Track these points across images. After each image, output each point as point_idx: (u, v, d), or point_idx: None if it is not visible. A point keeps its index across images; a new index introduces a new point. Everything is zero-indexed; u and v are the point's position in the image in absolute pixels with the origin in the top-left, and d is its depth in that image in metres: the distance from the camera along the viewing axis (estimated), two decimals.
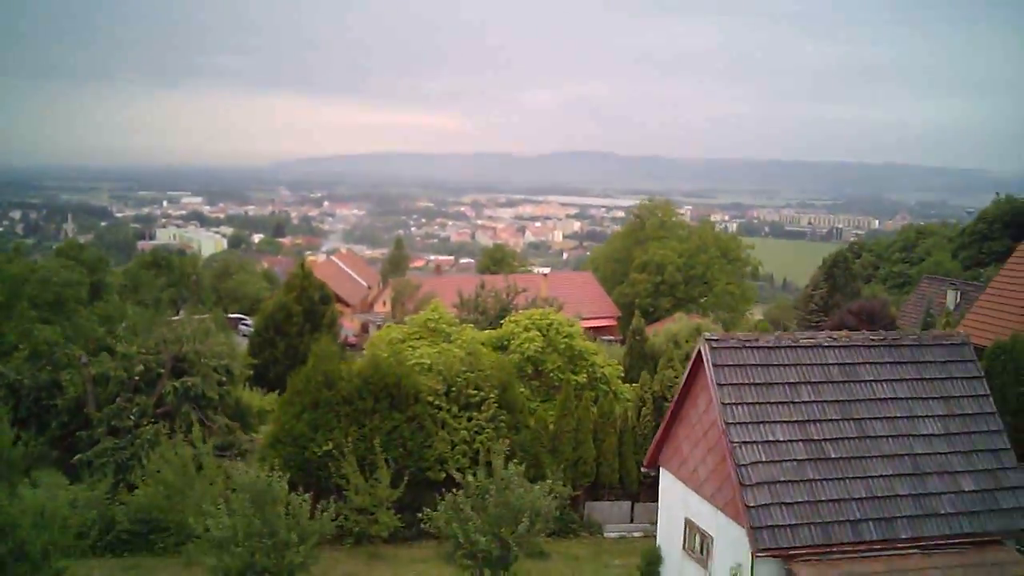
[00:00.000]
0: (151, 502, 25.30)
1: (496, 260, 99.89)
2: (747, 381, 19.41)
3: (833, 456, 19.00)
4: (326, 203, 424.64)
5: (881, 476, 19.02)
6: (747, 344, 19.90)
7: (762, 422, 19.03)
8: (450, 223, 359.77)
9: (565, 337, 38.97)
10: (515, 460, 22.97)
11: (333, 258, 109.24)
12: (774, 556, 17.94)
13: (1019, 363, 30.48)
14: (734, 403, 19.09)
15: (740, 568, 18.48)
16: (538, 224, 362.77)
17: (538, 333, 38.46)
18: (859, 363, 20.30)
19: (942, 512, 18.95)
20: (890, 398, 20.01)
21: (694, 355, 20.30)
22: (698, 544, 20.58)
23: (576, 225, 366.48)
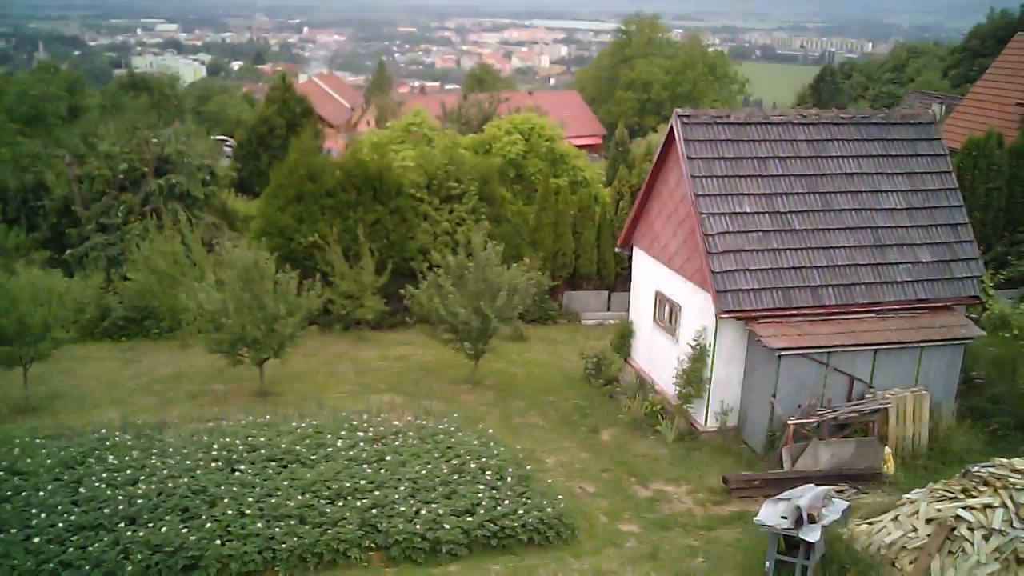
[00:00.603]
0: (144, 288, 26.23)
1: (480, 80, 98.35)
2: (717, 155, 19.96)
3: (797, 227, 19.80)
4: (306, 29, 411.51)
5: (843, 247, 19.89)
6: (718, 120, 20.33)
7: (730, 194, 19.70)
8: (435, 48, 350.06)
9: (547, 140, 39.31)
10: (495, 244, 23.76)
11: (315, 79, 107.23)
12: (737, 318, 19.02)
13: (991, 159, 31.12)
14: (704, 176, 19.70)
15: (705, 331, 19.61)
16: (525, 49, 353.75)
17: (520, 136, 38.74)
18: (828, 139, 20.81)
19: (899, 280, 19.94)
20: (856, 173, 20.65)
21: (666, 132, 20.75)
22: (667, 314, 21.69)
23: (564, 50, 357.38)
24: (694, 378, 19.80)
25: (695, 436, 20.08)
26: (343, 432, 17.99)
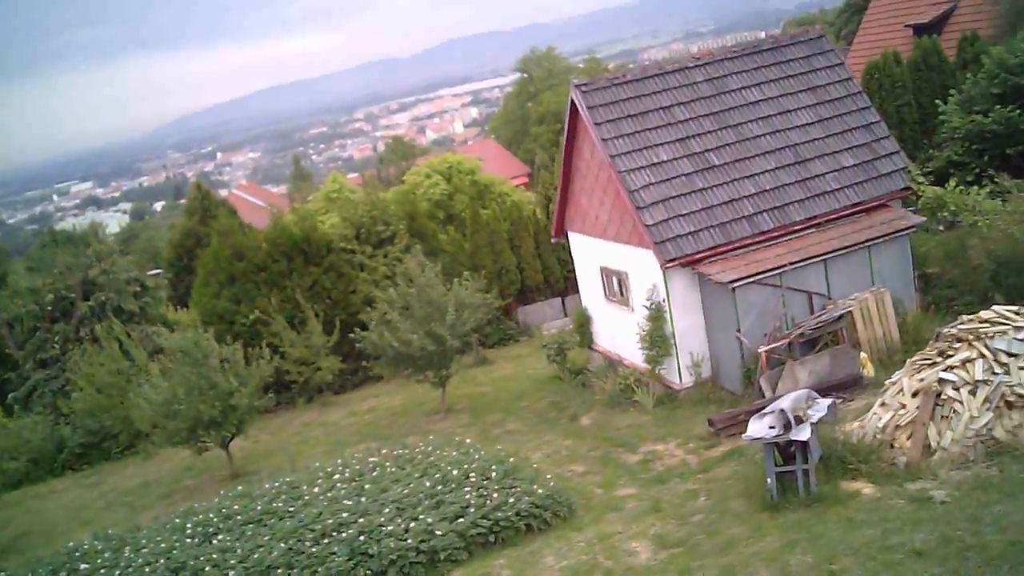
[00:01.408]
0: (93, 406, 25.35)
1: (399, 153, 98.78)
2: (623, 115, 19.84)
3: (718, 163, 19.67)
4: (219, 154, 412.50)
5: (766, 171, 19.78)
6: (615, 81, 20.26)
7: (645, 147, 19.55)
8: (349, 142, 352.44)
9: (468, 174, 39.26)
10: (431, 265, 23.37)
11: (236, 191, 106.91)
12: (683, 264, 18.72)
13: (893, 77, 31.54)
14: (615, 136, 19.55)
15: (655, 288, 19.27)
16: (436, 120, 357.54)
17: (441, 177, 38.66)
18: (726, 75, 20.84)
19: (828, 190, 19.84)
20: (761, 100, 20.64)
21: (568, 106, 20.62)
22: (616, 287, 21.35)
23: (474, 112, 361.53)
24: (657, 338, 19.40)
25: (674, 396, 19.62)
26: (319, 481, 17.27)
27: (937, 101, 26.17)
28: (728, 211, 19.18)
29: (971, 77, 25.42)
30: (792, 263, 18.28)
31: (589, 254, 22.40)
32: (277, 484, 17.58)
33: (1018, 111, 22.74)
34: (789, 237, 19.32)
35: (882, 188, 20.13)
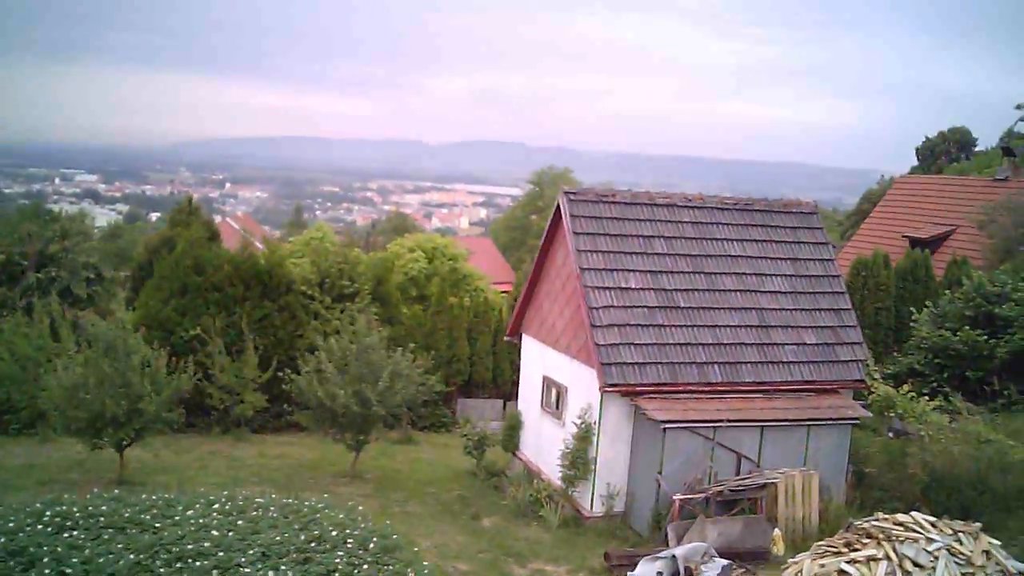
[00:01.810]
0: (4, 375, 24.44)
1: (397, 227, 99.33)
2: (603, 231, 19.87)
3: (683, 305, 19.60)
4: (228, 185, 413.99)
5: (728, 326, 19.71)
6: (604, 199, 20.36)
7: (616, 269, 19.50)
8: (356, 207, 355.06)
9: (450, 260, 39.23)
10: (379, 330, 22.98)
11: (229, 220, 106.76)
12: (622, 393, 18.43)
13: (878, 279, 31.97)
14: (589, 250, 19.52)
15: (590, 408, 18.91)
16: (445, 211, 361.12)
17: (423, 255, 38.61)
18: (712, 223, 21.00)
19: (785, 361, 19.75)
20: (740, 255, 20.75)
21: (553, 211, 20.66)
22: (554, 399, 20.97)
23: (483, 212, 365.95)
24: (579, 459, 18.94)
25: (581, 522, 19.01)
26: (196, 506, 16.43)
27: (912, 309, 26.40)
28: (680, 353, 19.01)
29: (948, 294, 25.73)
30: (730, 420, 18.01)
31: (536, 360, 22.10)
32: (154, 498, 16.73)
33: (985, 337, 22.91)
34: (734, 396, 19.10)
35: (837, 374, 20.05)
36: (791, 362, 19.77)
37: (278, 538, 14.78)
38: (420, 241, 39.40)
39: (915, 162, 71.91)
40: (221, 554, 13.84)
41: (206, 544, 14.09)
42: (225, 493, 17.42)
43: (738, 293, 20.22)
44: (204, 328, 26.54)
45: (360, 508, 17.43)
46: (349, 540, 15.08)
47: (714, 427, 17.97)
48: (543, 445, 21.34)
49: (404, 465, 24.24)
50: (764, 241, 21.14)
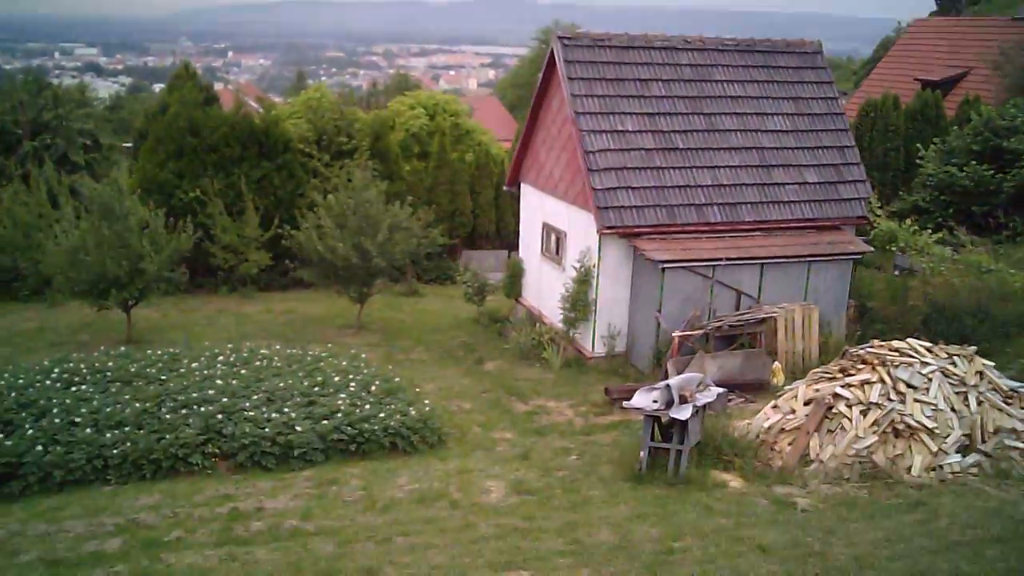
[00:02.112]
0: (7, 242, 24.57)
1: (400, 87, 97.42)
2: (598, 76, 19.36)
3: (681, 146, 19.27)
4: (231, 53, 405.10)
5: (728, 166, 19.42)
6: (599, 43, 19.75)
7: (612, 113, 19.09)
8: (362, 72, 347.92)
9: (452, 116, 38.51)
10: (377, 182, 22.80)
11: (230, 87, 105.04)
12: (620, 235, 18.35)
13: (887, 120, 31.26)
14: (585, 95, 19.08)
15: (589, 251, 18.89)
16: (452, 73, 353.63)
17: (424, 111, 37.89)
18: (712, 64, 20.41)
19: (786, 200, 19.54)
20: (741, 96, 20.26)
21: (547, 58, 20.09)
22: (554, 244, 20.94)
23: (491, 73, 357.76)
24: (580, 301, 19.05)
25: (583, 363, 19.29)
26: (202, 358, 16.76)
27: (918, 146, 25.91)
28: (679, 195, 18.81)
29: (956, 130, 25.18)
30: (729, 259, 17.96)
31: (536, 208, 21.97)
32: (159, 352, 17.05)
33: (991, 172, 22.53)
34: (734, 235, 18.99)
35: (839, 211, 19.86)
36: (792, 201, 19.56)
37: (282, 384, 15.17)
38: (421, 98, 38.56)
39: (935, 7, 69.41)
40: (226, 400, 14.24)
41: (211, 392, 14.47)
42: (230, 345, 17.80)
43: (738, 133, 19.82)
44: (203, 190, 26.41)
45: (364, 356, 17.81)
46: (352, 384, 15.45)
47: (712, 265, 17.94)
48: (544, 290, 21.45)
49: (409, 316, 24.51)
50: (766, 82, 20.58)
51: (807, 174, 19.95)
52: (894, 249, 20.20)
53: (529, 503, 11.79)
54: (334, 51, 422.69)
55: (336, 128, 28.88)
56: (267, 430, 13.53)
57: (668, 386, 12.68)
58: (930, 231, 20.41)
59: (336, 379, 15.58)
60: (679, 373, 16.98)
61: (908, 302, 19.35)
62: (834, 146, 20.50)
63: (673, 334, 17.21)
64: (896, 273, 22.33)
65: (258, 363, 16.43)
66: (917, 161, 25.62)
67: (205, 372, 15.67)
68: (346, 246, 20.87)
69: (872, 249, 19.82)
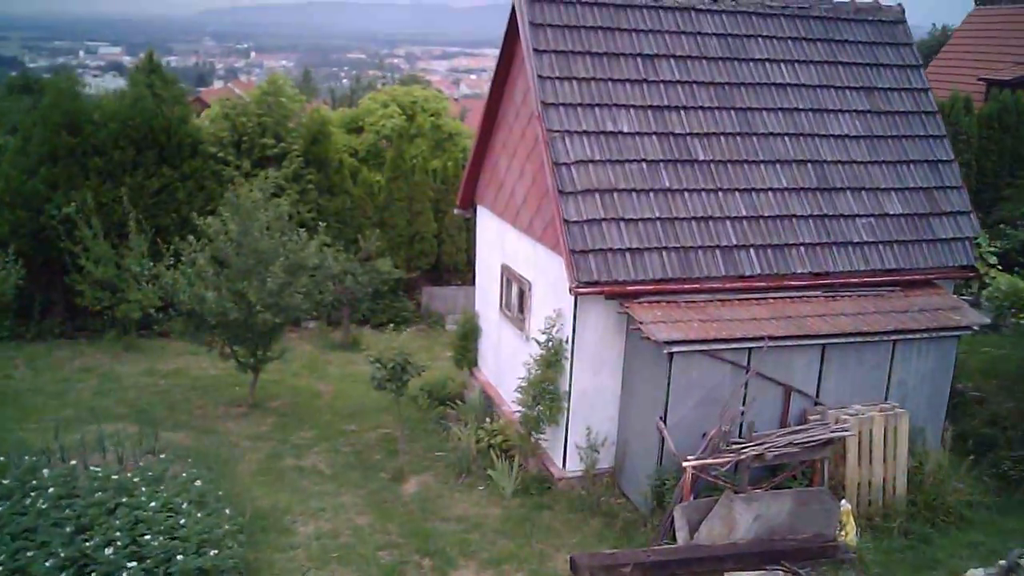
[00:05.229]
0: None
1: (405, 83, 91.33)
2: (581, 48, 12.98)
3: (702, 158, 12.85)
4: (253, 54, 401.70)
5: (772, 189, 12.98)
6: None
7: (599, 105, 12.72)
8: (383, 75, 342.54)
9: (432, 116, 32.15)
10: (279, 202, 16.65)
11: (231, 84, 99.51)
12: (606, 295, 11.97)
13: (957, 125, 24.85)
14: (558, 77, 12.70)
15: (559, 317, 12.52)
16: (473, 76, 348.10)
17: (398, 110, 31.53)
18: (749, 35, 13.99)
19: (856, 241, 13.09)
20: (791, 84, 13.83)
21: (507, 20, 13.74)
22: (515, 298, 14.58)
23: None
24: (546, 392, 12.64)
25: (548, 486, 12.88)
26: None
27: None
28: (697, 233, 12.39)
29: None
30: (773, 336, 11.52)
31: (493, 243, 15.66)
32: None
33: None
34: (779, 295, 12.57)
35: (934, 258, 13.40)
36: (866, 242, 13.11)
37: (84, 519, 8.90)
38: (397, 94, 32.24)
39: (972, 6, 62.60)
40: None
41: None
42: (58, 444, 11.62)
43: (786, 139, 13.40)
44: (81, 204, 20.23)
45: (205, 472, 11.57)
46: (177, 531, 9.18)
47: (749, 348, 11.52)
48: (504, 363, 15.12)
49: (330, 385, 18.19)
50: (826, 63, 14.16)
51: (887, 202, 13.50)
52: (1017, 316, 13.70)
53: None
54: (357, 52, 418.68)
55: (260, 127, 22.65)
56: None
57: None
58: None
59: (164, 516, 9.32)
60: (692, 528, 10.56)
61: None
62: (925, 160, 14.05)
63: (685, 462, 10.76)
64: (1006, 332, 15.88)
65: (52, 489, 10.11)
66: (1011, 184, 19.13)
67: None
68: (221, 295, 14.66)
69: (987, 320, 13.30)
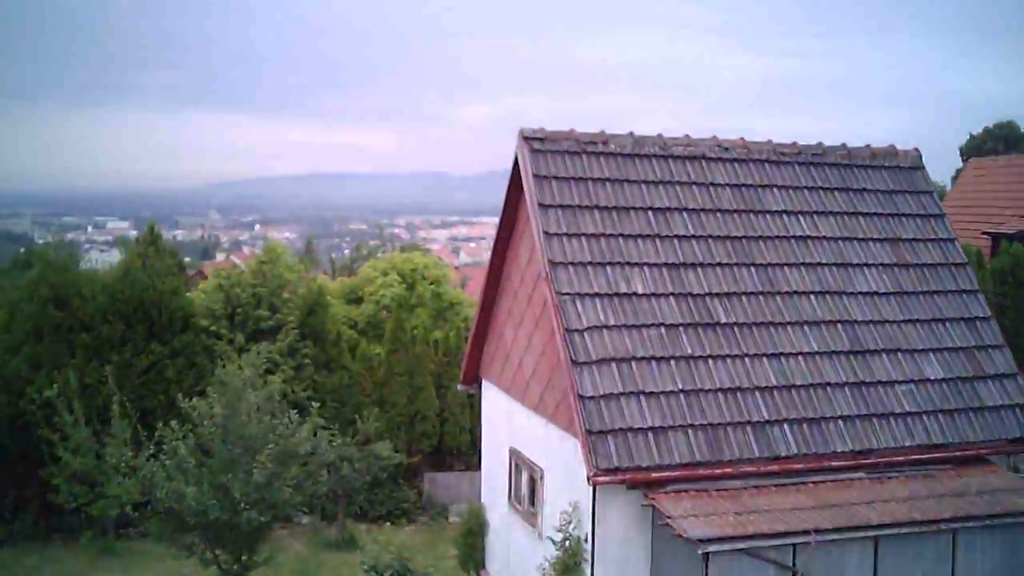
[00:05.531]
0: None
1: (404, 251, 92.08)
2: (588, 202, 12.21)
3: (725, 320, 11.83)
4: (257, 227, 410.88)
5: (802, 353, 11.90)
6: (589, 148, 12.70)
7: (611, 263, 11.82)
8: (384, 245, 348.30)
9: (432, 284, 31.52)
10: (271, 381, 15.54)
11: (233, 257, 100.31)
12: (629, 484, 10.65)
13: None
14: (565, 233, 11.87)
15: (576, 512, 11.15)
16: (472, 244, 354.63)
17: (398, 279, 30.93)
18: (763, 185, 13.27)
19: (898, 411, 11.89)
20: (812, 237, 13.01)
21: (511, 174, 13.03)
22: (525, 488, 13.19)
23: None
24: None
25: None
26: None
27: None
28: (726, 406, 11.22)
29: None
30: (819, 529, 10.12)
31: (500, 424, 14.43)
32: None
33: None
34: (820, 477, 11.26)
35: (985, 430, 12.17)
36: (908, 413, 11.91)
37: None
38: (397, 262, 31.74)
39: (959, 164, 63.79)
40: None
41: None
42: None
43: (812, 297, 12.43)
44: (64, 386, 19.08)
45: None
46: None
47: (793, 544, 10.10)
48: (514, 564, 13.57)
49: None
50: (845, 213, 13.42)
51: (925, 365, 12.40)
52: None
53: None
54: (358, 223, 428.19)
55: (254, 299, 21.82)
56: None
57: None
58: None
59: None
60: None
61: None
62: (961, 317, 13.05)
63: None
64: None
65: None
66: None
67: None
68: (202, 490, 13.32)
69: None
